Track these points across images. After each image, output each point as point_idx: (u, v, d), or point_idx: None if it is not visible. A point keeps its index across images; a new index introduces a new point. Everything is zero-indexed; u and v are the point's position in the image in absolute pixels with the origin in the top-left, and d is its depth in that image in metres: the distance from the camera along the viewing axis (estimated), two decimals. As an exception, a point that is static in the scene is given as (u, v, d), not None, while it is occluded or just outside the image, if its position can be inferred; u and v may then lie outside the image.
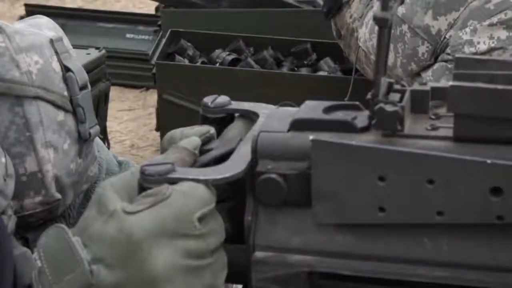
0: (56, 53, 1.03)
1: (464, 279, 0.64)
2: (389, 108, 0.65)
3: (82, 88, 1.05)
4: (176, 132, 0.78)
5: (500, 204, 0.62)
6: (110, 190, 0.69)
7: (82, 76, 1.05)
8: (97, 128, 1.07)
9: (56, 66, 1.02)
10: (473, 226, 0.64)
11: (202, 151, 0.76)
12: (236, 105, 0.80)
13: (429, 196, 0.63)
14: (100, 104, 3.62)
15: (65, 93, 1.02)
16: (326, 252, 0.67)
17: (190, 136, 0.75)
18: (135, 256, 0.66)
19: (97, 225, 0.68)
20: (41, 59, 1.01)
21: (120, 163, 1.20)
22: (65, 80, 1.03)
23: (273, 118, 0.72)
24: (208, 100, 0.80)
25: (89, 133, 1.04)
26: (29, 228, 1.01)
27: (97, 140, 1.14)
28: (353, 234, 0.66)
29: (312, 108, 0.71)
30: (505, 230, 0.63)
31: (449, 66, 2.38)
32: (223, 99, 0.80)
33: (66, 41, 1.06)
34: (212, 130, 0.77)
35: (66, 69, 1.03)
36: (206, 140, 0.76)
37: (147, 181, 0.68)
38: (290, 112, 0.72)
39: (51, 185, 1.00)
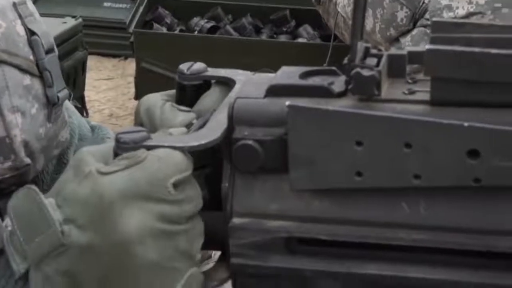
0: (20, 16, 1.00)
1: (442, 242, 0.64)
2: (365, 72, 0.64)
3: (48, 51, 1.02)
4: (156, 106, 0.77)
5: (477, 167, 0.62)
6: (87, 155, 0.68)
7: (47, 40, 1.03)
8: (66, 92, 1.05)
9: (20, 30, 1.00)
10: (451, 189, 0.64)
11: None
12: (212, 71, 0.79)
13: (406, 160, 0.63)
14: (78, 74, 3.60)
15: (31, 57, 1.00)
16: (304, 217, 0.67)
17: (172, 120, 0.75)
18: (106, 217, 0.65)
19: (71, 186, 0.67)
20: (4, 23, 0.98)
21: (92, 128, 1.18)
22: (30, 43, 1.00)
23: (249, 84, 0.72)
24: (184, 67, 0.79)
25: (58, 97, 1.02)
26: (0, 195, 1.00)
27: (68, 105, 1.12)
28: (330, 199, 0.66)
29: (288, 74, 0.70)
30: (482, 193, 0.63)
31: (428, 31, 2.38)
32: (199, 66, 0.79)
33: (30, 4, 1.04)
34: (195, 117, 0.76)
35: (31, 33, 1.01)
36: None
37: (122, 149, 0.67)
38: (267, 78, 0.71)
39: (20, 150, 0.98)
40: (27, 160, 1.00)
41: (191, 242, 0.68)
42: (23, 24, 1.00)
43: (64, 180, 0.68)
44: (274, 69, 0.76)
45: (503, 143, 0.61)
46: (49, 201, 0.68)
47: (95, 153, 0.69)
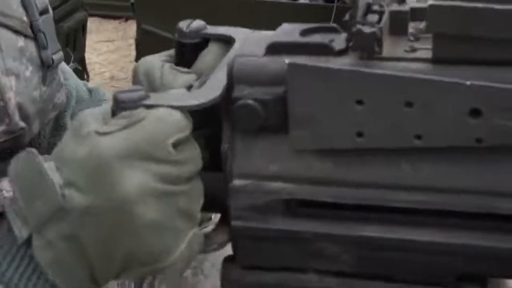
0: None
1: (443, 204, 0.63)
2: (366, 29, 0.63)
3: (43, 12, 1.00)
4: (154, 68, 0.76)
5: (479, 126, 0.61)
6: (88, 116, 0.67)
7: (41, 0, 1.00)
8: (61, 54, 1.03)
9: None
10: (452, 150, 0.63)
11: None
12: (211, 29, 0.78)
13: (407, 119, 0.62)
14: (78, 35, 3.57)
15: (24, 18, 0.97)
16: (305, 178, 0.66)
17: (172, 82, 0.74)
18: (105, 177, 0.64)
19: (70, 148, 0.66)
20: None
21: (90, 91, 1.17)
22: (24, 4, 0.98)
23: (249, 42, 0.71)
24: (183, 25, 0.78)
25: (52, 59, 1.00)
26: None
27: (65, 67, 1.11)
28: (331, 160, 0.65)
29: (288, 31, 0.69)
30: (484, 153, 0.62)
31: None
32: (198, 23, 0.78)
33: None
34: (195, 79, 0.75)
35: None
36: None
37: (120, 108, 0.66)
38: (267, 36, 0.70)
39: (14, 114, 0.96)
40: (22, 124, 0.98)
41: (191, 202, 0.67)
42: None
43: (64, 142, 0.68)
44: (275, 30, 0.74)
45: (506, 102, 0.60)
46: (48, 165, 0.67)
47: (95, 115, 0.68)
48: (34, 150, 0.69)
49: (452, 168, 0.63)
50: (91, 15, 3.90)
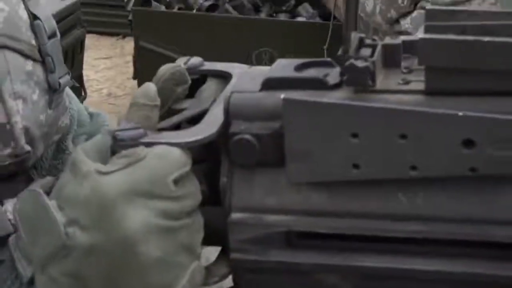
0: (23, 0, 0.99)
1: (439, 233, 0.64)
2: (360, 63, 0.64)
3: (51, 36, 1.01)
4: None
5: (472, 156, 0.62)
6: (81, 154, 0.68)
7: (50, 24, 1.01)
8: (67, 78, 1.03)
9: (23, 14, 0.98)
10: (447, 180, 0.64)
11: (175, 111, 0.75)
12: (209, 65, 0.79)
13: (402, 151, 0.63)
14: (76, 52, 3.58)
15: (33, 41, 0.99)
16: (302, 211, 0.67)
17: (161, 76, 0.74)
18: (109, 216, 0.65)
19: (71, 187, 0.67)
20: (7, 6, 0.97)
21: (91, 115, 1.18)
22: (33, 28, 0.99)
23: (245, 78, 0.72)
24: (180, 61, 0.79)
25: (59, 83, 1.01)
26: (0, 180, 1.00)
27: (68, 91, 1.11)
28: (328, 192, 0.66)
29: (283, 67, 0.70)
30: (479, 182, 0.63)
31: (428, 13, 2.37)
32: (196, 60, 0.79)
33: None
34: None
35: (33, 17, 0.99)
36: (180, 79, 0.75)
37: (119, 146, 0.67)
38: (262, 71, 0.71)
39: (20, 137, 0.97)
40: (27, 147, 0.99)
41: (192, 236, 0.68)
42: (26, 8, 0.99)
43: (64, 181, 0.68)
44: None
45: (499, 132, 0.61)
46: (51, 203, 0.67)
47: (89, 151, 0.68)
48: (39, 189, 0.69)
49: (447, 197, 0.64)
50: (89, 32, 3.91)
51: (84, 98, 3.61)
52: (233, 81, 0.75)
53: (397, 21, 2.53)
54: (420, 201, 0.65)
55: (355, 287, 0.67)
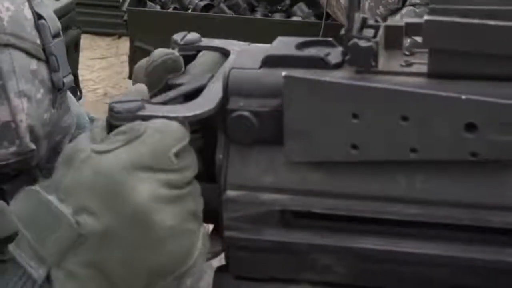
0: (28, 0, 1.00)
1: (437, 216, 0.63)
2: (362, 43, 0.63)
3: (55, 36, 1.02)
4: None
5: (474, 140, 0.61)
6: (77, 144, 0.67)
7: (54, 24, 1.02)
8: (71, 77, 1.05)
9: (28, 13, 0.99)
10: (447, 163, 0.63)
11: (172, 86, 0.74)
12: (206, 41, 0.78)
13: (403, 133, 0.62)
14: (70, 52, 3.57)
15: (38, 41, 1.00)
16: (299, 190, 0.66)
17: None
18: (117, 194, 0.64)
19: (69, 178, 0.65)
20: (13, 6, 0.98)
21: (91, 120, 1.18)
22: (37, 27, 1.00)
23: (244, 55, 0.71)
24: (178, 37, 0.78)
25: (63, 83, 1.02)
26: (4, 179, 0.99)
27: (69, 94, 1.12)
28: (326, 172, 0.65)
29: (284, 44, 0.69)
30: (479, 167, 0.63)
31: (417, 10, 2.37)
32: (193, 36, 0.78)
33: None
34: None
35: (38, 16, 1.00)
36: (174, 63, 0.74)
37: (116, 119, 0.66)
38: (263, 49, 0.70)
39: (25, 135, 0.97)
40: (32, 146, 0.99)
41: (197, 202, 0.68)
42: (31, 7, 1.00)
43: (59, 176, 0.67)
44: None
45: (501, 117, 0.61)
46: (51, 197, 0.66)
47: (83, 139, 0.67)
48: (34, 187, 0.67)
49: (446, 181, 0.64)
50: (84, 32, 3.91)
51: (80, 98, 3.60)
52: (231, 57, 0.74)
53: (385, 18, 2.53)
54: (419, 184, 0.64)
55: (350, 268, 0.66)
